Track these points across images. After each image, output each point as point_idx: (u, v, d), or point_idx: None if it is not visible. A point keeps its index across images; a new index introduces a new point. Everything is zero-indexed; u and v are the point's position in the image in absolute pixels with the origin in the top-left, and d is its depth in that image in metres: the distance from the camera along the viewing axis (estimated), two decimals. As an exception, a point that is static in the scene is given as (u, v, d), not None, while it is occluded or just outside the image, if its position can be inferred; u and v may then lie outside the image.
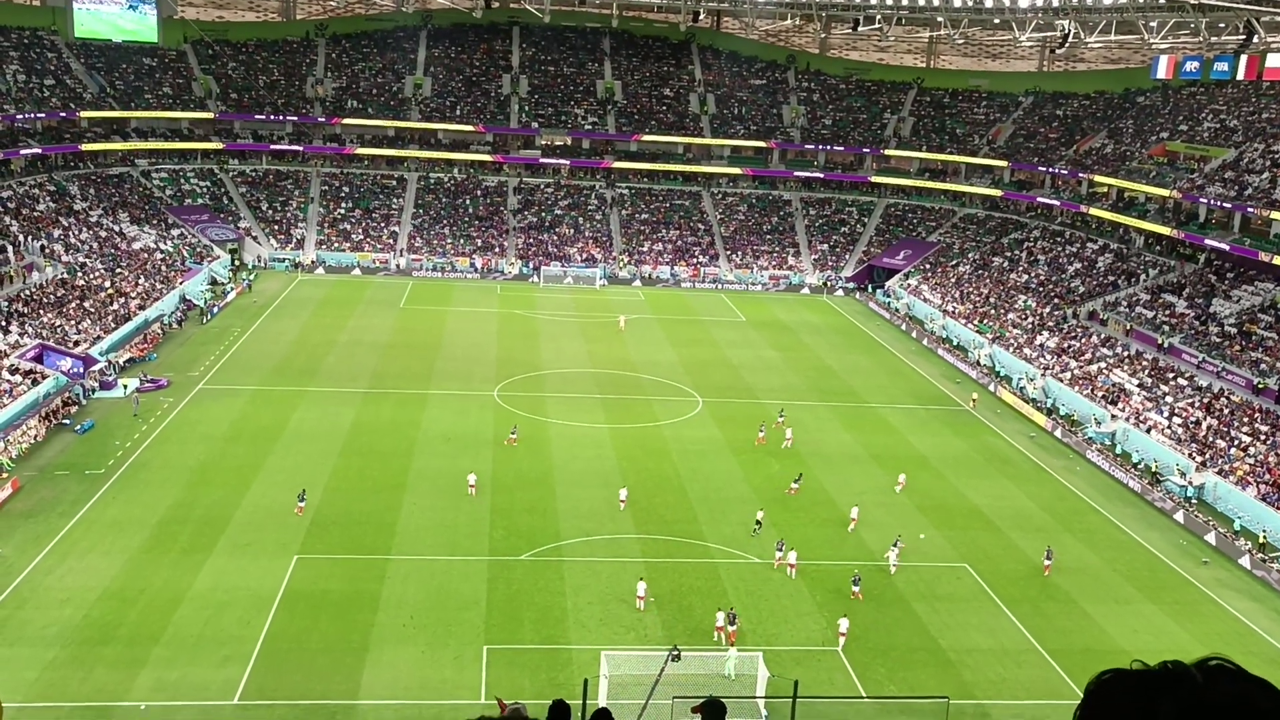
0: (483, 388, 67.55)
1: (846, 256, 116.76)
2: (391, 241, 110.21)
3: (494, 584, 40.67)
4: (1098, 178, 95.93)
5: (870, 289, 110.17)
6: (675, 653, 33.40)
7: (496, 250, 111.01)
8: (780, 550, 43.15)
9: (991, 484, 56.51)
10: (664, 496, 51.48)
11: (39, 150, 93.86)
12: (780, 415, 62.16)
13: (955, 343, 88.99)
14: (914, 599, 42.58)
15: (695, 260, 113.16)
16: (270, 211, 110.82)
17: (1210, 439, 58.98)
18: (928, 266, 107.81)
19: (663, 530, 47.05)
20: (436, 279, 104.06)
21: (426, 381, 68.27)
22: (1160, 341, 73.34)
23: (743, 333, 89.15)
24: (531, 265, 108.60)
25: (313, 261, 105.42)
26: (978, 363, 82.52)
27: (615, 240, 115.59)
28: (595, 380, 71.40)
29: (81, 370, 60.94)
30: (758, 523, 47.51)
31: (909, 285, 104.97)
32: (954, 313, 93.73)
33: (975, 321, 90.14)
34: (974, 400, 72.15)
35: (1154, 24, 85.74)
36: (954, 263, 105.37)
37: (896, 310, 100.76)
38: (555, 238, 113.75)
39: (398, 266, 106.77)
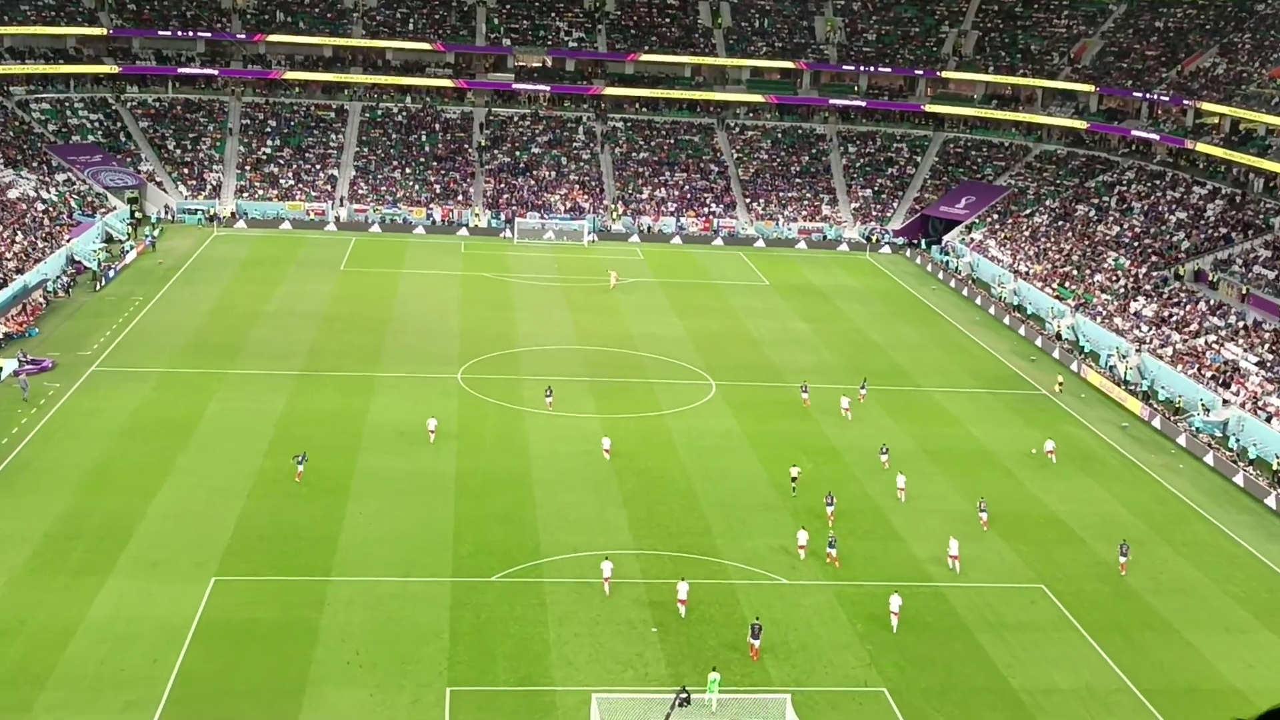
0: (444, 369, 68.09)
1: (894, 205, 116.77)
2: (329, 188, 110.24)
3: (459, 611, 41.26)
4: (1206, 105, 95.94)
5: (924, 245, 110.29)
6: (683, 695, 33.55)
7: (460, 198, 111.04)
8: (830, 504, 49.25)
9: (1073, 486, 57.09)
10: (669, 503, 51.88)
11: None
12: (863, 387, 66.79)
13: (1029, 311, 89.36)
14: (978, 628, 42.90)
15: (707, 211, 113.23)
16: (179, 152, 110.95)
17: (1344, 429, 59.71)
18: (995, 217, 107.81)
19: (668, 544, 47.60)
20: (386, 235, 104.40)
21: (374, 362, 68.83)
22: (1283, 309, 73.85)
23: (766, 300, 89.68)
24: (503, 217, 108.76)
25: (232, 214, 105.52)
26: (1057, 336, 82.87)
27: (607, 186, 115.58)
28: (584, 359, 71.97)
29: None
30: (793, 479, 52.07)
31: (972, 240, 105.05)
32: (1028, 274, 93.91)
33: (1054, 285, 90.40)
34: (1059, 385, 72.52)
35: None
36: (1028, 212, 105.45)
37: (956, 271, 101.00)
38: (533, 183, 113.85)
39: (338, 219, 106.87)
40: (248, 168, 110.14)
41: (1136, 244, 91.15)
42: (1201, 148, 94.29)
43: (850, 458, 58.59)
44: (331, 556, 44.83)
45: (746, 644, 39.54)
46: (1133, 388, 71.85)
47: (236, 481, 51.21)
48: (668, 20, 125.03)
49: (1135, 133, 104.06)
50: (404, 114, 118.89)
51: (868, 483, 55.36)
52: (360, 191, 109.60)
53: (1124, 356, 76.07)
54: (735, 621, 41.75)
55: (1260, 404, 64.91)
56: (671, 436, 60.15)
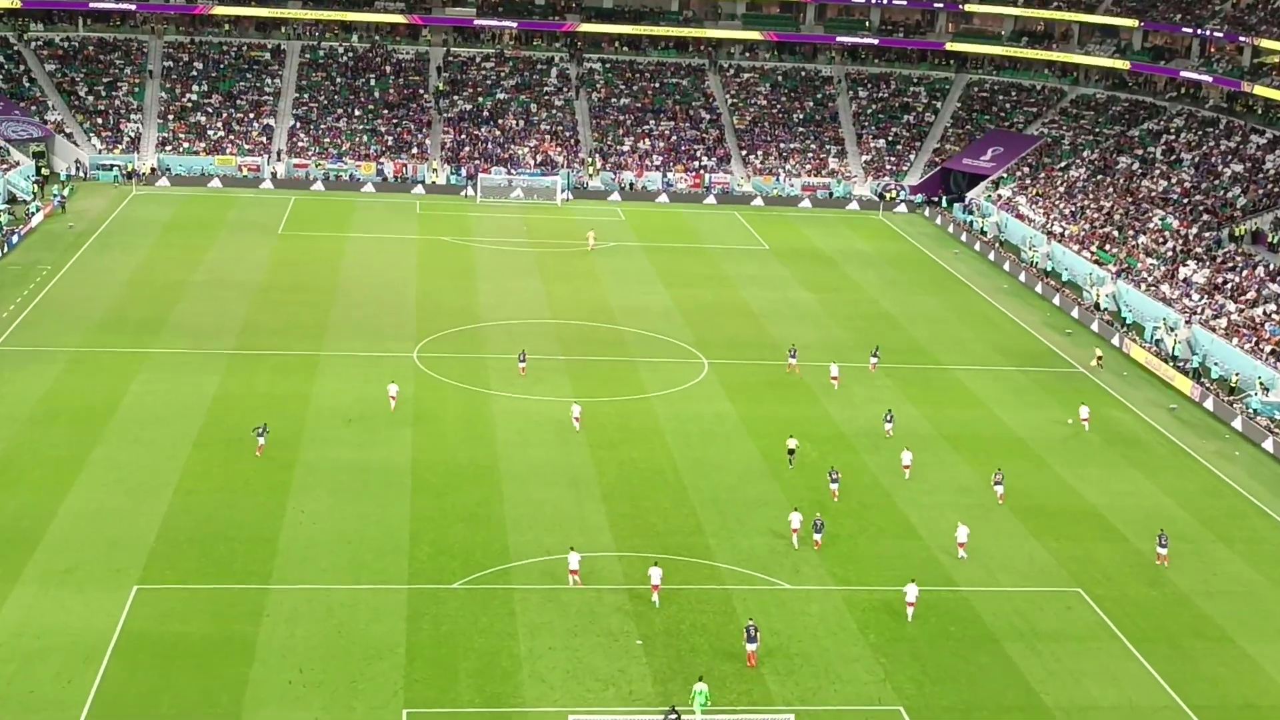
0: (398, 347, 68.02)
1: (911, 157, 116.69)
2: (264, 141, 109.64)
3: (417, 622, 41.04)
4: (1265, 42, 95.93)
5: (945, 203, 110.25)
6: (673, 717, 33.42)
7: (415, 151, 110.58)
8: (834, 480, 51.73)
9: (1115, 475, 57.32)
10: (656, 498, 51.77)
11: None
12: (874, 355, 68.29)
13: (1065, 278, 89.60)
14: (1007, 637, 42.88)
15: (697, 165, 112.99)
16: (91, 99, 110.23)
17: None
18: (1026, 170, 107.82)
19: (654, 544, 47.34)
20: (330, 194, 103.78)
21: (318, 339, 68.81)
22: (1352, 274, 74.02)
23: (765, 266, 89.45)
24: (464, 173, 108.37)
25: (153, 169, 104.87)
26: (1096, 306, 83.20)
27: (583, 136, 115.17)
28: (557, 336, 71.91)
29: None
30: (790, 452, 53.72)
31: (999, 198, 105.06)
32: (1063, 236, 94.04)
33: (1093, 248, 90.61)
34: (1097, 359, 72.94)
35: None
36: (1063, 165, 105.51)
37: (982, 232, 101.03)
38: (498, 133, 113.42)
39: (274, 176, 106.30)
40: (171, 117, 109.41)
41: (1186, 201, 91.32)
42: (1260, 90, 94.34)
43: (861, 444, 58.64)
44: (271, 561, 44.40)
45: (743, 654, 39.64)
46: (1182, 364, 72.06)
47: (161, 476, 50.83)
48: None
49: (1185, 74, 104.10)
50: (350, 55, 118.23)
51: (882, 476, 55.38)
52: (300, 144, 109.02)
53: (1172, 329, 76.27)
54: (730, 632, 41.67)
55: (1326, 382, 65.15)
56: (658, 422, 59.88)
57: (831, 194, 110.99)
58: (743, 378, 66.30)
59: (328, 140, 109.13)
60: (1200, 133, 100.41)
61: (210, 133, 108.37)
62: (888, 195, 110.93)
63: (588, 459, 55.06)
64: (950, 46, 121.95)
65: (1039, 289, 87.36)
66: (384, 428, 57.34)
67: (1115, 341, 77.00)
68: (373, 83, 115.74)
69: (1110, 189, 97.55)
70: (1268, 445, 62.05)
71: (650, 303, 78.41)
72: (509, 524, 48.83)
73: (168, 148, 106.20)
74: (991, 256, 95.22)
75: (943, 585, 45.90)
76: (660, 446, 57.20)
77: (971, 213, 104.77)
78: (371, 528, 47.72)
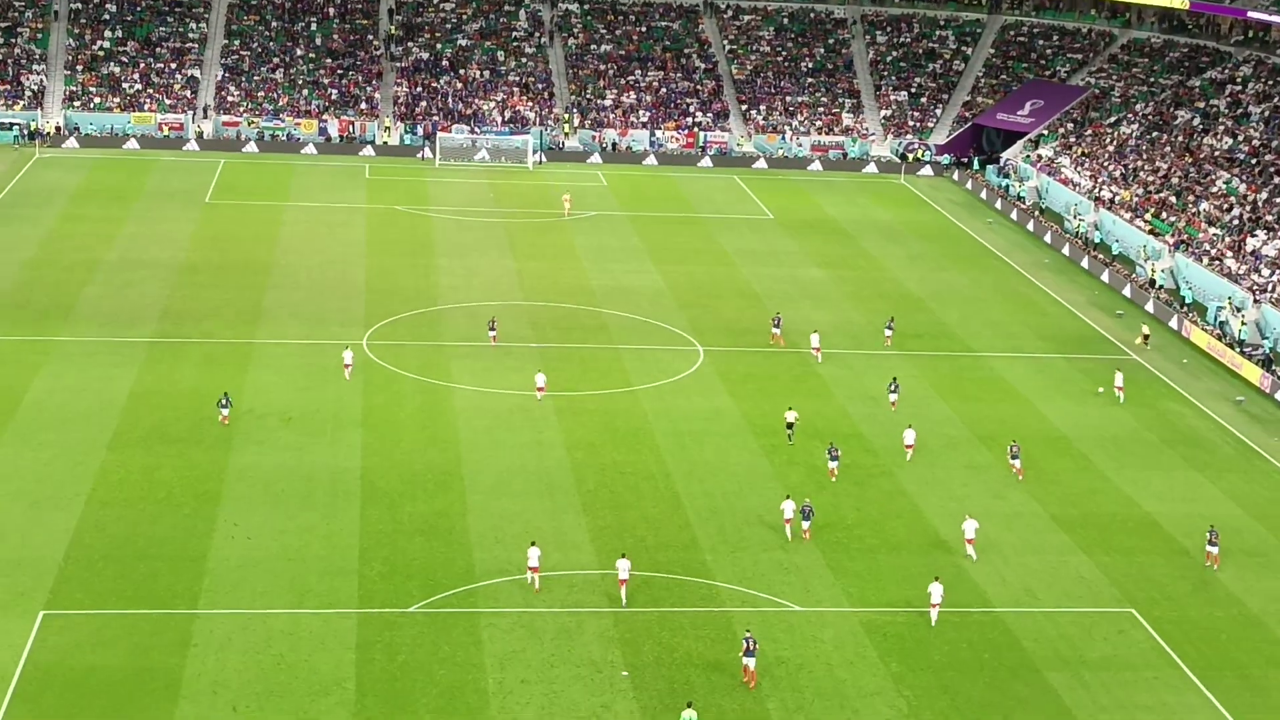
0: (344, 334, 67.91)
1: (937, 112, 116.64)
2: (189, 95, 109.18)
3: (368, 652, 40.73)
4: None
5: (976, 165, 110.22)
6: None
7: (363, 107, 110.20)
8: (834, 459, 54.10)
9: (1173, 479, 57.44)
10: (644, 508, 51.66)
11: None
12: (889, 326, 70.58)
13: (1115, 250, 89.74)
14: (1049, 665, 42.38)
15: (690, 122, 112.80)
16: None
17: None
18: (1069, 127, 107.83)
19: (643, 561, 46.90)
20: (265, 156, 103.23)
21: (251, 324, 68.81)
22: None
23: (770, 239, 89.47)
24: (421, 132, 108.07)
25: (58, 129, 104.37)
26: (1151, 283, 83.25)
27: (559, 90, 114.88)
28: (530, 320, 71.88)
29: None
30: (789, 426, 56.24)
31: (1039, 159, 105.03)
32: (1113, 202, 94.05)
33: (1147, 216, 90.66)
34: (1144, 337, 73.27)
35: None
36: (1112, 120, 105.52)
37: (1019, 199, 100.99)
38: (460, 85, 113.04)
39: (200, 136, 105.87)
40: (79, 68, 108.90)
41: (1254, 161, 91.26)
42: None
43: (881, 444, 58.34)
44: (199, 582, 44.10)
45: (744, 682, 39.56)
46: (1250, 351, 72.22)
47: (70, 485, 50.50)
48: None
49: (1253, 14, 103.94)
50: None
51: (908, 482, 55.38)
52: (230, 99, 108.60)
53: (1238, 309, 76.42)
54: (731, 661, 41.14)
55: None
56: (647, 420, 59.99)
57: (846, 155, 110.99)
58: (745, 368, 66.28)
59: (262, 94, 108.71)
60: (1270, 82, 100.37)
61: (126, 86, 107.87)
62: (910, 156, 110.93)
63: (565, 463, 54.90)
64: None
65: (1085, 264, 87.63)
66: (329, 427, 57.10)
67: (1173, 324, 77.19)
68: (313, 27, 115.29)
69: (1167, 148, 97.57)
70: (1350, 443, 62.00)
71: (637, 282, 78.47)
72: (474, 538, 48.35)
73: (76, 104, 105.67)
74: (1030, 227, 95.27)
75: (975, 606, 45.67)
76: (649, 448, 57.07)
77: (1007, 176, 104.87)
78: (315, 544, 47.24)
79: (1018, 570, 48.18)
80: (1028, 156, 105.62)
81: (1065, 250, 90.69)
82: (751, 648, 39.82)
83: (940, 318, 75.74)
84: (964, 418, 62.29)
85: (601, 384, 63.65)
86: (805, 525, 48.92)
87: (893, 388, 62.07)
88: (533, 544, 45.16)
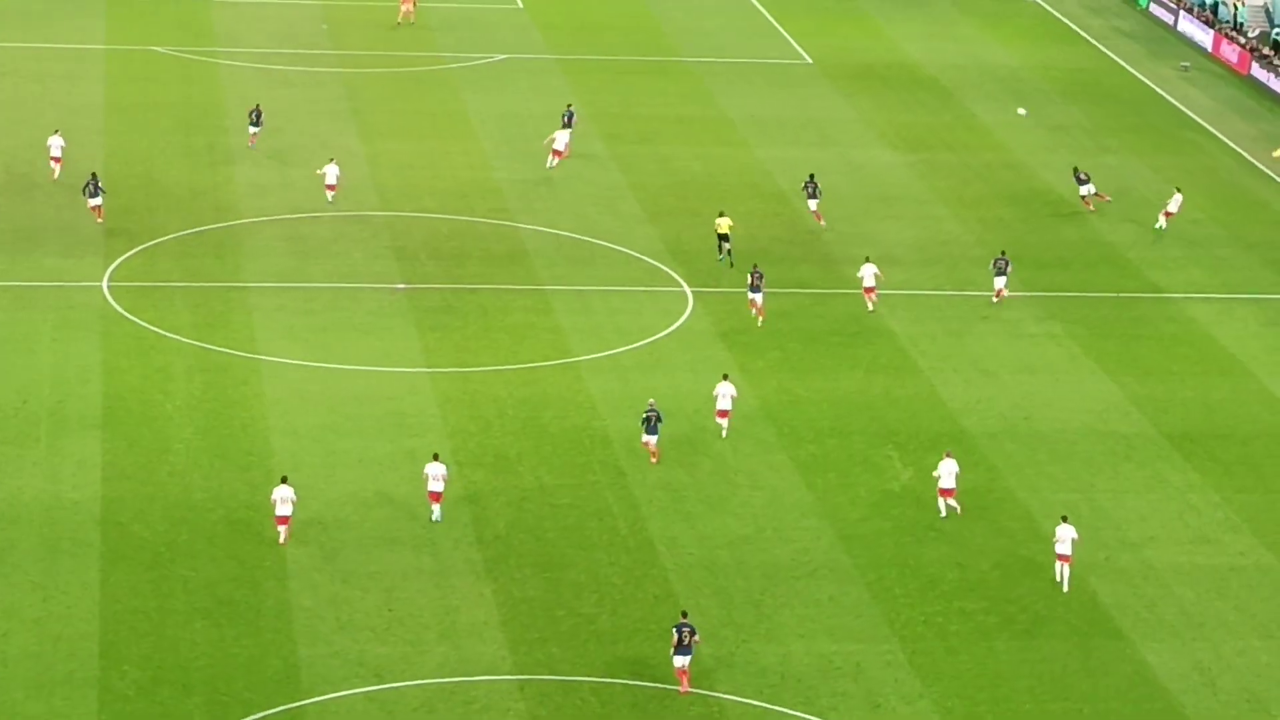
0: (70, 270, 55.78)
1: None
2: None
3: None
4: None
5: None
6: None
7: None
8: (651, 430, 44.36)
9: None
10: (591, 566, 39.63)
11: None
12: (1002, 272, 55.74)
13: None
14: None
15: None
16: None
17: None
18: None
19: (593, 660, 35.89)
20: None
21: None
22: None
23: (804, 98, 75.53)
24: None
25: None
26: None
27: None
28: (392, 242, 59.25)
29: None
30: (722, 238, 55.06)
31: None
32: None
33: None
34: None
35: None
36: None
37: (1238, 26, 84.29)
38: None
39: None
40: None
41: None
42: None
43: (984, 445, 45.25)
44: None
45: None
46: None
47: None
48: None
49: None
50: None
51: (1013, 483, 43.71)
52: None
53: None
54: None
55: None
56: (596, 415, 47.24)
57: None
58: (766, 323, 52.35)
59: None
60: None
61: None
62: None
63: (456, 490, 41.63)
64: None
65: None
66: (46, 431, 45.18)
67: None
68: None
69: None
70: None
71: (577, 173, 64.32)
72: (298, 622, 36.80)
73: None
74: (1257, 72, 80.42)
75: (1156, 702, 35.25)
76: (600, 462, 44.06)
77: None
78: (20, 635, 35.72)
79: (1228, 673, 35.52)
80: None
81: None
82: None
83: (1102, 235, 61.81)
84: (1138, 403, 49.61)
85: (518, 354, 50.69)
86: (652, 441, 43.08)
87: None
88: (435, 456, 40.07)
